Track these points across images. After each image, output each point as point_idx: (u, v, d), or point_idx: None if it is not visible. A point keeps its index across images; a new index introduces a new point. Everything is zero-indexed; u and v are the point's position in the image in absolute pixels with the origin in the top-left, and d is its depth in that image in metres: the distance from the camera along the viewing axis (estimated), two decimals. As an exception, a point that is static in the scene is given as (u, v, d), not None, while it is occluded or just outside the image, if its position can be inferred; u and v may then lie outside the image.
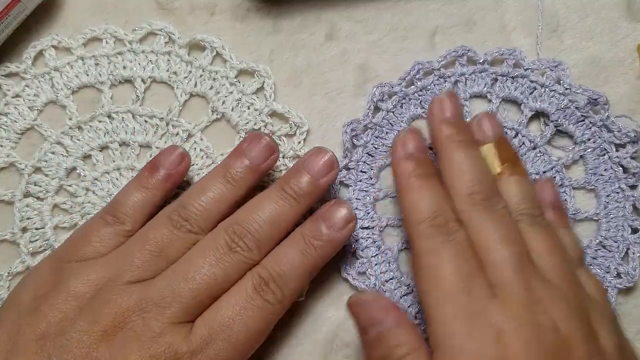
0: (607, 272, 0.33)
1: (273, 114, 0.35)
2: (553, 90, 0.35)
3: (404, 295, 0.33)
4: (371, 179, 0.34)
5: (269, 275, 0.29)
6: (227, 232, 0.29)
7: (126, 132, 0.35)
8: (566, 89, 0.35)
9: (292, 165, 0.34)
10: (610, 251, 0.34)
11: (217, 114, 0.35)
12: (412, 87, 0.35)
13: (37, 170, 0.35)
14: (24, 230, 0.35)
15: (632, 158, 0.34)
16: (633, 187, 0.34)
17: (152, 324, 0.27)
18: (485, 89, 0.35)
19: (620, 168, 0.34)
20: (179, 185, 0.33)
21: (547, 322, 0.26)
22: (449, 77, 0.35)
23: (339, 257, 0.33)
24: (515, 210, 0.30)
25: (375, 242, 0.34)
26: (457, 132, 0.31)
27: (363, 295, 0.29)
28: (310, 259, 0.30)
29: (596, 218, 0.34)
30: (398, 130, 0.35)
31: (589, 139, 0.34)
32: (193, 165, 0.35)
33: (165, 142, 0.35)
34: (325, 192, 0.31)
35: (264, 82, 0.35)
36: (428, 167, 0.30)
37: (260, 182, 0.33)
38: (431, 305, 0.27)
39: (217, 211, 0.30)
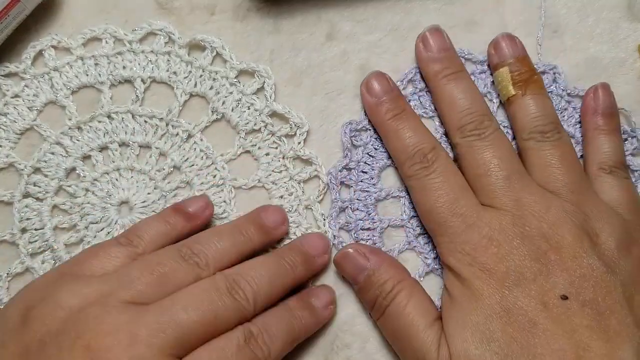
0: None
1: (273, 114, 0.35)
2: (550, 92, 0.35)
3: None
4: (372, 179, 0.34)
5: (259, 331, 0.29)
6: (227, 279, 0.29)
7: (126, 133, 0.35)
8: (562, 90, 0.35)
9: (293, 165, 0.35)
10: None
11: (217, 114, 0.35)
12: (411, 88, 0.35)
13: (37, 170, 0.35)
14: (23, 230, 0.34)
15: (632, 155, 0.34)
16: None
17: (138, 349, 0.26)
18: (485, 89, 0.35)
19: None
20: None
21: (535, 232, 0.29)
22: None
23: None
24: (527, 129, 0.32)
25: (375, 243, 0.34)
26: (443, 67, 0.33)
27: (344, 249, 0.33)
28: (295, 329, 0.30)
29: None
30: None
31: (590, 139, 0.34)
32: (193, 165, 0.35)
33: (165, 143, 0.35)
34: (319, 270, 0.33)
35: (264, 82, 0.35)
36: (398, 104, 0.33)
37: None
38: (432, 235, 0.32)
39: (226, 254, 0.31)
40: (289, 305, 0.31)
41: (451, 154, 0.34)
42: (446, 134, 0.34)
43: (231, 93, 0.35)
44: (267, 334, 0.29)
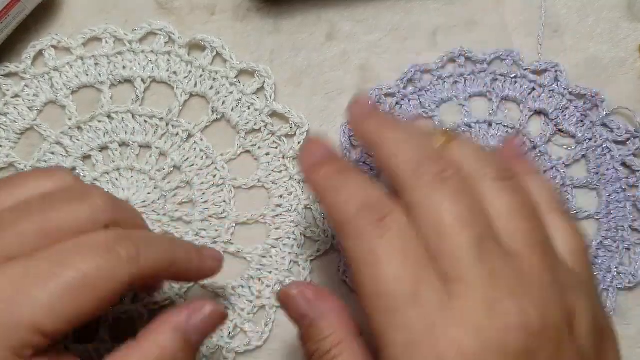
0: (608, 272, 0.33)
1: (273, 114, 0.35)
2: (552, 91, 0.35)
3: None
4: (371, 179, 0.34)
5: (127, 234, 0.24)
6: (83, 186, 0.26)
7: (126, 132, 0.35)
8: (564, 89, 0.35)
9: (293, 165, 0.34)
10: (610, 251, 0.34)
11: (217, 114, 0.35)
12: (411, 87, 0.35)
13: (37, 170, 0.35)
14: (24, 230, 0.34)
15: (634, 155, 0.34)
16: (633, 186, 0.34)
17: None
18: (485, 88, 0.35)
19: (622, 167, 0.34)
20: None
21: (515, 321, 0.21)
22: (447, 77, 0.35)
23: (339, 260, 0.33)
24: (469, 177, 0.25)
25: (375, 242, 0.34)
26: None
27: (289, 288, 0.27)
28: (176, 253, 0.26)
29: (597, 217, 0.34)
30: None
31: (590, 139, 0.34)
32: (193, 165, 0.35)
33: (165, 142, 0.35)
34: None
35: (264, 82, 0.35)
36: (340, 162, 0.28)
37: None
38: (377, 327, 0.23)
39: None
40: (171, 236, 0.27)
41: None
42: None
43: (231, 93, 0.35)
44: (139, 238, 0.24)
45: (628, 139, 0.34)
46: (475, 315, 0.21)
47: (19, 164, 0.35)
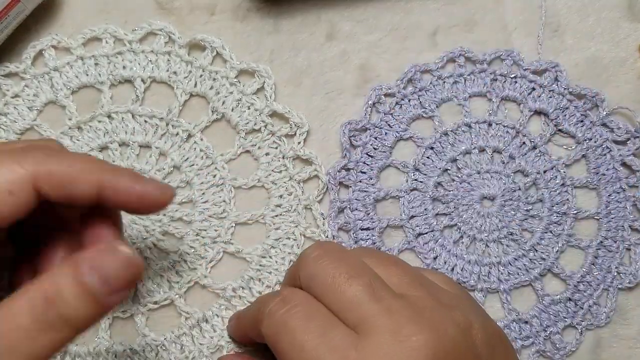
0: (608, 272, 0.33)
1: (273, 114, 0.35)
2: (551, 91, 0.35)
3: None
4: (371, 179, 0.34)
5: (41, 146, 0.26)
6: None
7: (126, 132, 0.35)
8: (564, 89, 0.35)
9: (293, 165, 0.35)
10: (610, 251, 0.34)
11: (217, 114, 0.35)
12: (411, 87, 0.35)
13: (37, 170, 0.35)
14: (24, 230, 0.34)
15: (634, 155, 0.34)
16: (633, 186, 0.34)
17: None
18: (485, 88, 0.35)
19: (622, 167, 0.34)
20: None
21: (419, 340, 0.24)
22: (447, 77, 0.35)
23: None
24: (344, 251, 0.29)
25: (375, 243, 0.34)
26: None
27: (226, 356, 0.31)
28: None
29: (597, 217, 0.34)
30: (397, 132, 0.35)
31: (590, 139, 0.34)
32: (193, 165, 0.35)
33: (165, 142, 0.35)
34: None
35: (264, 82, 0.35)
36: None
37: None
38: None
39: None
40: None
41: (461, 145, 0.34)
42: (445, 134, 0.34)
43: (231, 93, 0.35)
44: (52, 148, 0.26)
45: (628, 139, 0.34)
46: (385, 344, 0.24)
47: (19, 164, 0.35)
